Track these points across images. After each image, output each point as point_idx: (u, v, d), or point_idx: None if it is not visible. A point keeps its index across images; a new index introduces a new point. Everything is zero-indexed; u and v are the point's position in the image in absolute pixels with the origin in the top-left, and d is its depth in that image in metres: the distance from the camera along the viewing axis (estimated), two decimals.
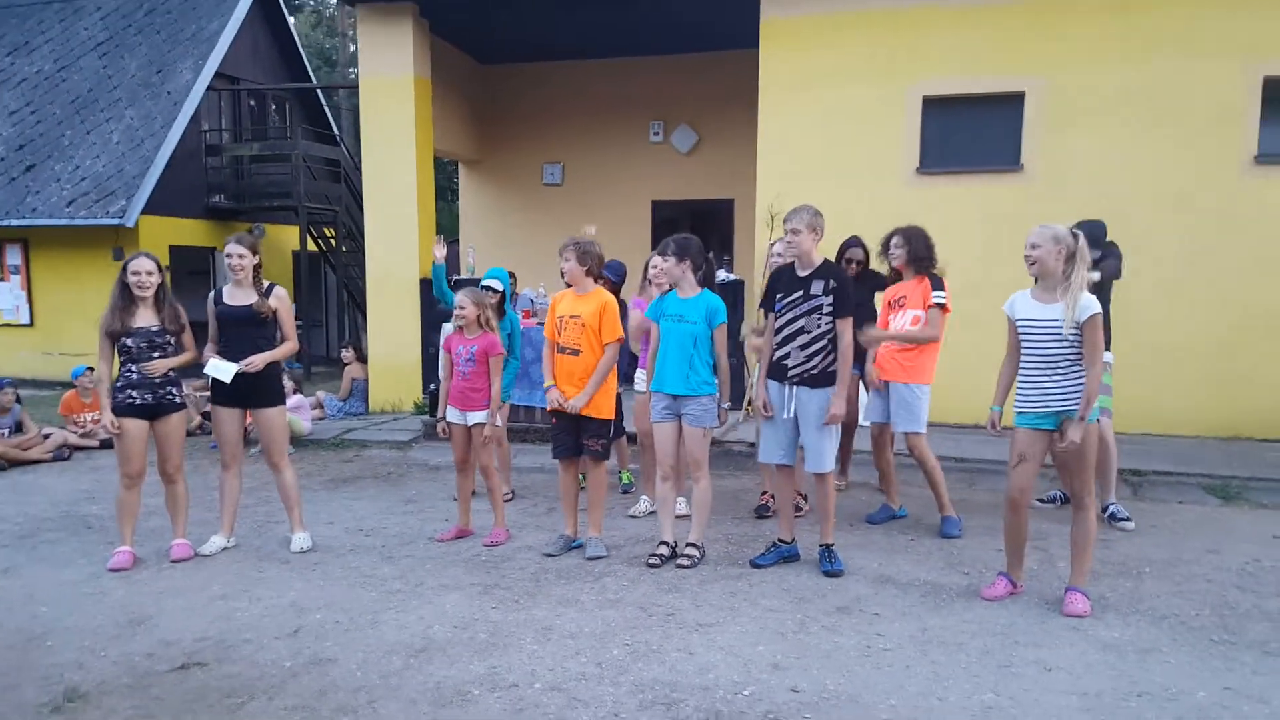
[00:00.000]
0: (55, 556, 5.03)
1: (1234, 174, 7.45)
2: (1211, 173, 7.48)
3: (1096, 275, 5.14)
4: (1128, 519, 5.52)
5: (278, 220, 15.44)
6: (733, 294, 8.11)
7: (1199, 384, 7.58)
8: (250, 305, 4.98)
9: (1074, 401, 3.93)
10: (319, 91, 17.09)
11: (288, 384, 8.43)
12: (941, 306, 5.24)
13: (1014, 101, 7.90)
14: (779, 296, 4.67)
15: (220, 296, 5.08)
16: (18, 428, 7.87)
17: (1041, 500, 5.79)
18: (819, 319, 4.53)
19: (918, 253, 5.32)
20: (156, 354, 4.83)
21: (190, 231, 13.99)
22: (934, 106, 8.10)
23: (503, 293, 5.89)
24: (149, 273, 4.84)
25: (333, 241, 15.46)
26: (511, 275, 6.44)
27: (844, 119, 8.19)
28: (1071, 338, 3.92)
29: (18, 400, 8.03)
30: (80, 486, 6.82)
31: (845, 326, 4.52)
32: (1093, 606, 4.05)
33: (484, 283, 5.91)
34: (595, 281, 4.97)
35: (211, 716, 3.17)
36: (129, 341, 4.79)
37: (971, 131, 8.11)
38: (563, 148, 11.96)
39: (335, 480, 6.97)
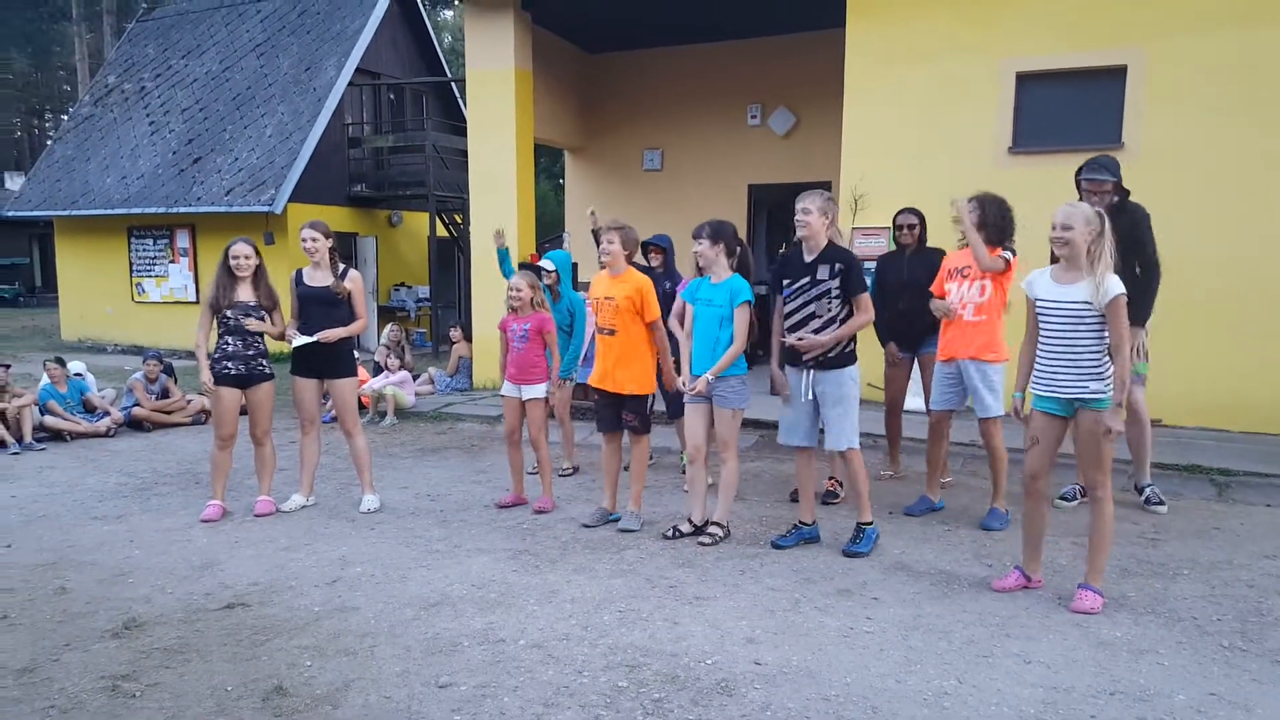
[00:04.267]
0: (162, 507, 5.75)
1: None
2: None
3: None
4: (1160, 503, 5.24)
5: (414, 207, 16.45)
6: None
7: None
8: (327, 286, 5.49)
9: (1089, 390, 3.81)
10: (452, 84, 17.94)
11: (393, 361, 9.13)
12: (1007, 263, 4.99)
13: (1115, 75, 7.45)
14: (786, 282, 4.71)
15: (300, 277, 5.61)
16: (164, 394, 8.87)
17: (1064, 499, 5.51)
18: (828, 303, 4.54)
19: (990, 219, 5.02)
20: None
21: (333, 218, 15.09)
22: (1029, 82, 7.76)
23: (556, 273, 6.18)
24: (247, 257, 5.44)
25: (463, 227, 16.30)
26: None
27: (932, 96, 7.97)
28: (1092, 320, 3.79)
29: (166, 371, 9.03)
30: (208, 447, 7.63)
31: (862, 302, 4.54)
32: (1107, 604, 3.92)
33: (539, 265, 6.22)
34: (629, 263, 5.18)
35: (238, 649, 3.63)
36: (228, 314, 5.39)
37: (1069, 108, 7.71)
38: (662, 134, 12.14)
39: (424, 450, 7.50)
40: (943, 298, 5.24)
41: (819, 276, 4.56)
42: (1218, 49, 7.08)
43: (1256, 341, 7.07)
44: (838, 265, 4.53)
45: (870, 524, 4.74)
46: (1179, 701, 3.13)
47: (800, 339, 4.58)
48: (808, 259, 4.63)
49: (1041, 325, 3.98)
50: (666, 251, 6.37)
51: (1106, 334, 3.82)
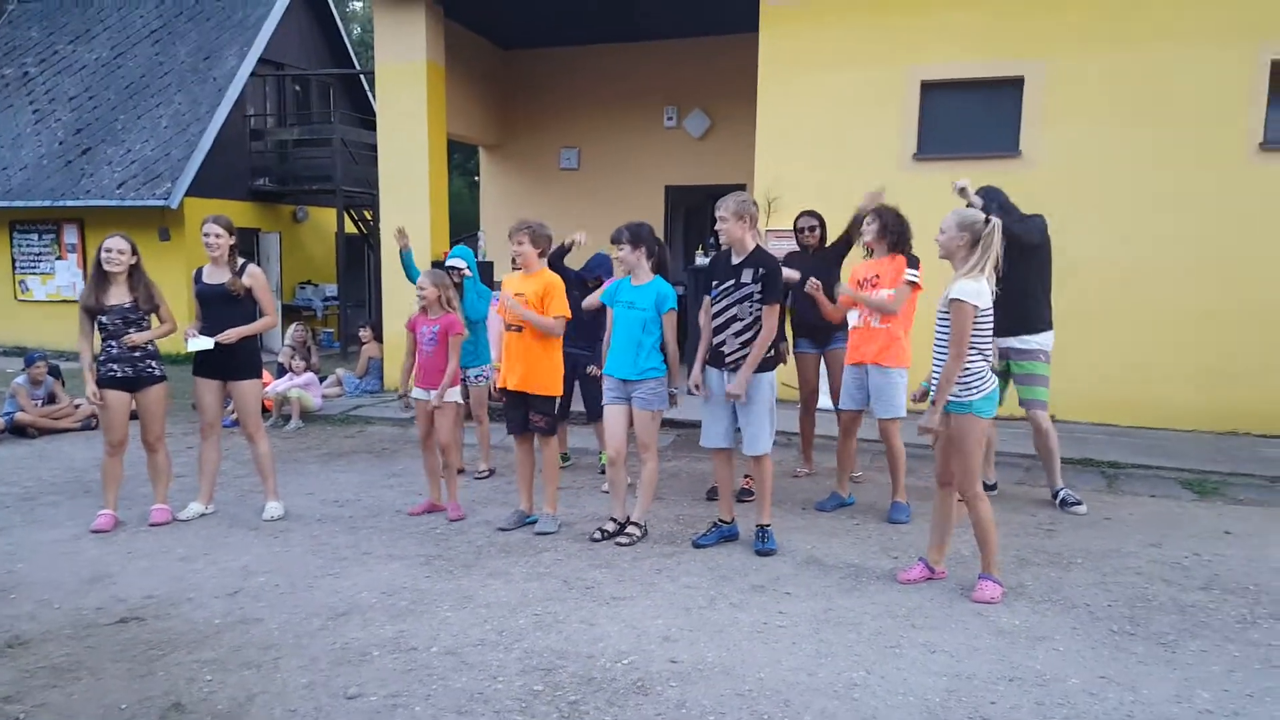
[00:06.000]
0: (48, 518, 5.43)
1: (1238, 162, 7.22)
2: (1215, 160, 7.27)
3: (979, 201, 5.12)
4: (1079, 503, 5.49)
5: (320, 203, 15.95)
6: None
7: (1196, 377, 7.41)
8: (223, 284, 5.28)
9: (954, 390, 3.96)
10: (361, 76, 17.51)
11: (298, 363, 8.84)
12: (913, 284, 5.19)
13: (1013, 86, 7.78)
14: (714, 284, 4.76)
15: (200, 275, 5.39)
16: (50, 399, 8.39)
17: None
18: (750, 306, 4.60)
19: (889, 227, 5.24)
20: (131, 329, 5.15)
21: (234, 213, 14.47)
22: (933, 91, 8.02)
23: (466, 269, 6.09)
24: (120, 251, 5.14)
25: (373, 224, 15.91)
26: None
27: (842, 103, 8.17)
28: (943, 319, 3.94)
29: (51, 373, 8.54)
30: (98, 454, 7.25)
31: (770, 313, 4.58)
32: (1006, 593, 4.08)
33: (448, 263, 6.11)
34: (542, 260, 5.13)
35: (132, 665, 3.46)
36: (104, 319, 5.11)
37: (970, 117, 8.02)
38: (579, 133, 12.12)
39: (331, 454, 7.29)
40: (850, 305, 5.38)
41: (743, 280, 4.61)
42: (1109, 63, 7.46)
43: (1146, 339, 7.50)
44: (760, 270, 4.58)
45: (769, 525, 4.81)
46: (1072, 685, 3.28)
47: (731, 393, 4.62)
48: (734, 261, 4.68)
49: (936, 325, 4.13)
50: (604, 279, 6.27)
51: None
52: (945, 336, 3.98)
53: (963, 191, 5.22)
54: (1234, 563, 4.59)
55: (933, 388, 4.04)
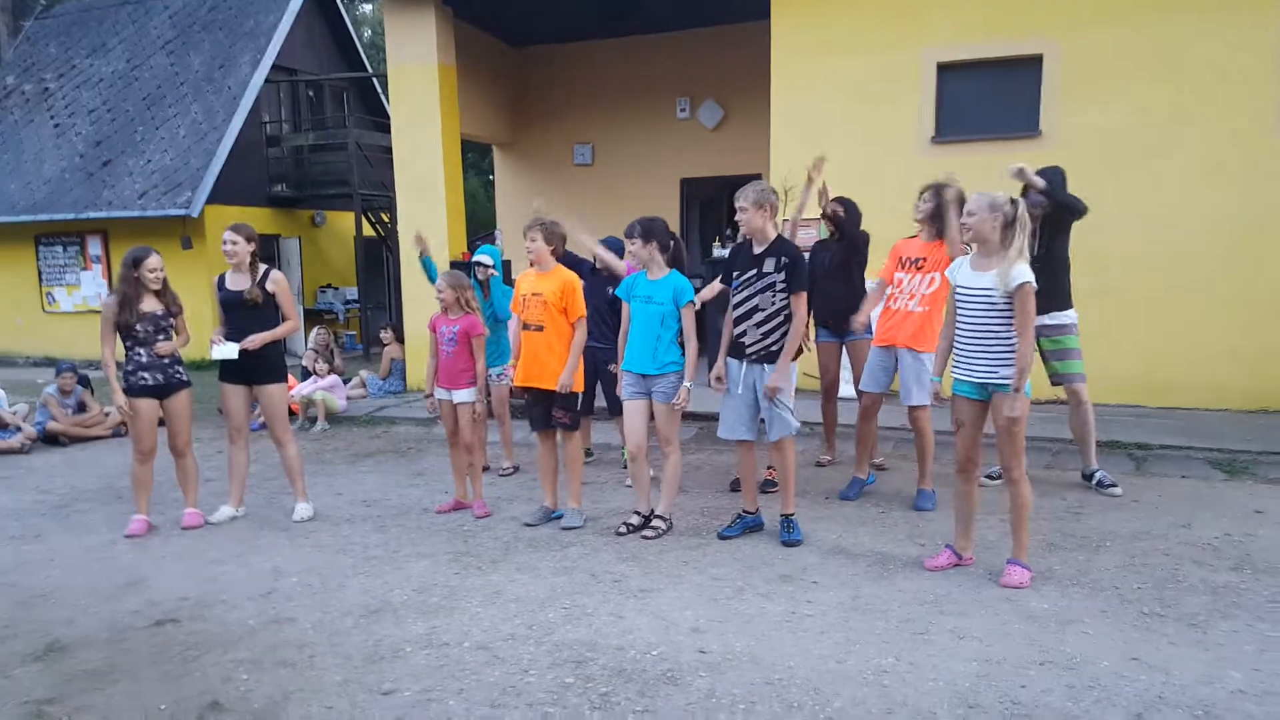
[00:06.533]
0: (82, 524, 5.53)
1: (1265, 136, 7.11)
2: (1240, 135, 7.16)
3: (1041, 182, 5.08)
4: (1114, 485, 5.45)
5: (337, 207, 16.07)
6: None
7: (1222, 355, 7.32)
8: (242, 291, 5.34)
9: (999, 375, 3.94)
10: (374, 79, 17.59)
11: (322, 366, 8.93)
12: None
13: (1031, 65, 7.70)
14: (735, 274, 4.75)
15: (223, 282, 5.45)
16: (80, 407, 8.51)
17: (990, 477, 5.67)
18: (773, 296, 4.59)
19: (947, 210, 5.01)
20: (161, 336, 5.23)
21: (254, 219, 14.64)
22: (949, 73, 7.96)
23: (493, 267, 6.11)
24: (161, 269, 5.26)
25: (390, 226, 16.00)
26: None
27: (857, 88, 8.12)
28: (1003, 306, 3.91)
29: (81, 382, 8.67)
30: (129, 461, 7.35)
31: (799, 302, 4.57)
32: (1034, 578, 4.07)
33: (474, 260, 6.13)
34: (557, 260, 5.14)
35: (170, 667, 3.52)
36: (138, 327, 5.19)
37: (988, 98, 7.94)
38: (592, 128, 12.11)
39: (358, 455, 7.36)
40: (889, 281, 5.31)
41: (765, 270, 4.60)
42: (1129, 38, 7.37)
43: (1171, 319, 7.41)
44: (783, 259, 4.56)
45: (793, 515, 4.81)
46: (1103, 668, 3.26)
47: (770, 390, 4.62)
48: (756, 252, 4.67)
49: (959, 311, 4.09)
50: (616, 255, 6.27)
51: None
52: (990, 321, 3.94)
53: (1021, 173, 5.09)
54: (1265, 542, 4.55)
55: (939, 379, 4.05)
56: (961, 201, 4.97)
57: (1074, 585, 4.04)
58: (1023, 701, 3.04)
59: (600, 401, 6.30)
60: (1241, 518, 4.94)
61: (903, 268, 5.25)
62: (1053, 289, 5.31)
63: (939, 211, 5.08)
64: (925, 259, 5.15)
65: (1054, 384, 5.59)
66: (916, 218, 5.27)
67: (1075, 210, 5.28)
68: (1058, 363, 5.48)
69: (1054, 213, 5.28)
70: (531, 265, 5.15)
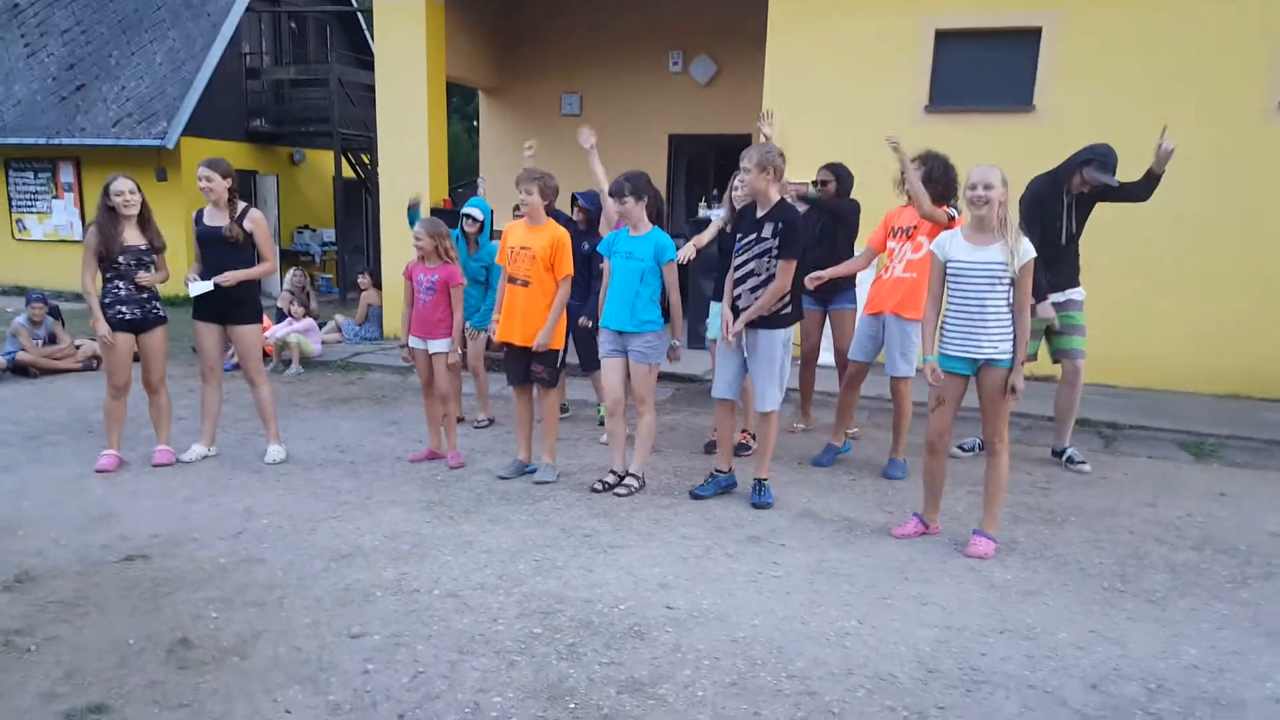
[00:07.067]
0: (53, 457, 5.47)
1: (1257, 120, 7.14)
2: (1233, 118, 7.18)
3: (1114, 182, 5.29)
4: (1083, 462, 5.55)
5: (317, 145, 15.77)
6: None
7: (1197, 339, 7.42)
8: (220, 227, 5.24)
9: (998, 349, 3.96)
10: (359, 14, 17.16)
11: (298, 309, 8.82)
12: (950, 219, 4.90)
13: (1030, 37, 7.64)
14: (738, 237, 4.71)
15: (200, 217, 5.35)
16: (51, 339, 8.38)
17: (961, 448, 5.77)
18: (767, 262, 4.55)
19: (933, 175, 4.99)
20: (142, 270, 5.13)
21: (230, 154, 14.30)
22: (947, 41, 7.88)
23: (482, 222, 6.03)
24: (130, 192, 5.10)
25: (371, 168, 15.74)
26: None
27: (852, 53, 8.04)
28: (1008, 281, 3.92)
29: (52, 314, 8.52)
30: (99, 395, 7.27)
31: (785, 268, 4.53)
32: (999, 550, 4.14)
33: (464, 211, 6.05)
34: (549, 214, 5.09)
35: (140, 602, 3.52)
36: (120, 259, 5.08)
37: (985, 69, 7.88)
38: (581, 77, 11.92)
39: (332, 400, 7.32)
40: (880, 249, 5.30)
41: (763, 234, 4.56)
42: (1129, 15, 7.32)
43: (1149, 298, 7.48)
44: (779, 224, 4.53)
45: (766, 479, 4.85)
46: (1062, 639, 3.35)
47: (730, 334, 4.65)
48: (758, 215, 4.62)
49: (953, 287, 4.06)
50: (590, 210, 6.22)
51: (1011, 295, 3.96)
52: (990, 296, 3.94)
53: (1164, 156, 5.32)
54: (1227, 524, 4.65)
55: (934, 358, 4.06)
56: (930, 166, 5.02)
57: (1038, 558, 4.12)
58: (981, 668, 3.12)
59: (572, 358, 6.28)
60: (1206, 499, 5.05)
61: (894, 236, 5.24)
62: (1077, 265, 5.54)
63: (928, 178, 5.01)
64: (916, 227, 5.14)
65: (1055, 360, 5.64)
66: (904, 189, 5.23)
67: (1144, 194, 5.51)
68: (1066, 338, 5.53)
69: (1094, 193, 5.37)
70: (520, 216, 5.09)
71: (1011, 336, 3.98)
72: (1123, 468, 5.68)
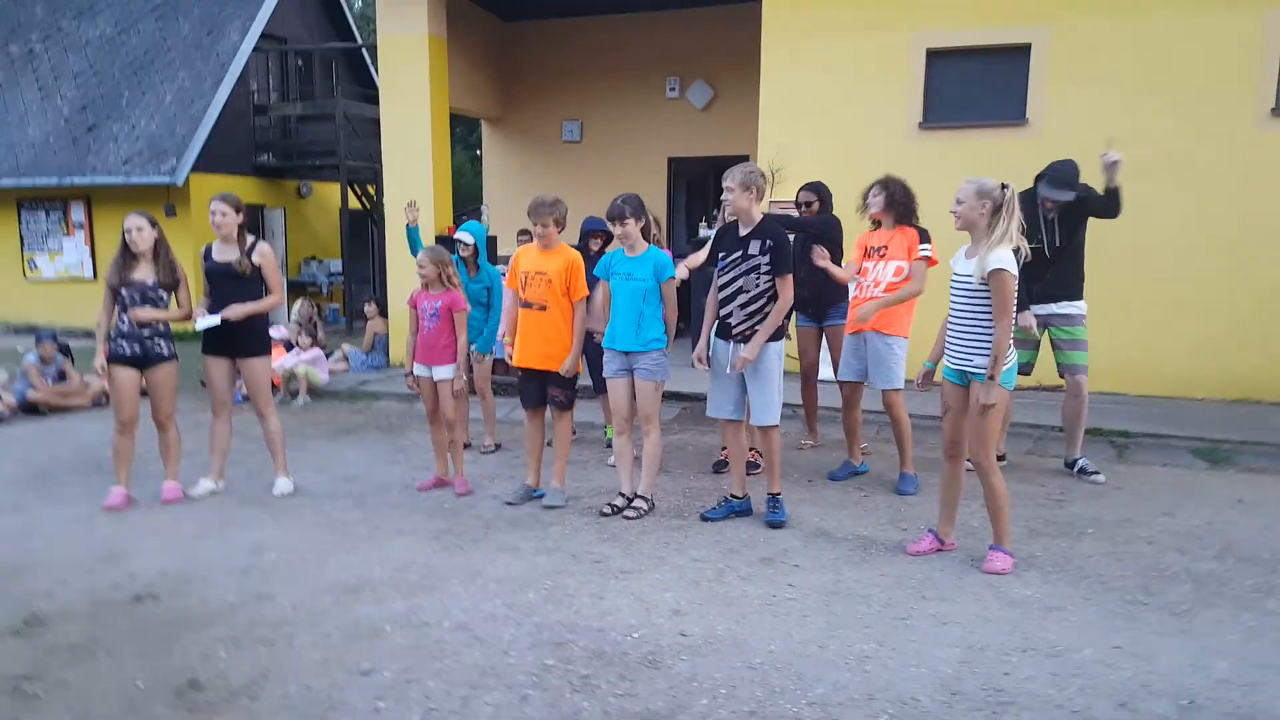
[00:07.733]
0: (62, 496, 5.46)
1: (1249, 128, 7.11)
2: (1225, 126, 7.15)
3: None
4: (1097, 472, 5.48)
5: (324, 178, 15.88)
6: None
7: (1206, 345, 7.35)
8: (230, 262, 5.25)
9: (973, 363, 3.93)
10: (363, 50, 17.35)
11: (305, 338, 8.84)
12: (927, 259, 5.13)
13: (1020, 53, 7.65)
14: (721, 255, 4.72)
15: (209, 252, 5.36)
16: (61, 377, 8.41)
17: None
18: (757, 278, 4.56)
19: (895, 198, 5.16)
20: (146, 306, 5.14)
21: (239, 189, 14.45)
22: (938, 59, 7.90)
23: (474, 245, 6.04)
24: (139, 229, 5.13)
25: (377, 198, 15.82)
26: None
27: (846, 72, 8.07)
28: (982, 293, 3.88)
29: (62, 351, 8.56)
30: (109, 431, 7.26)
31: (784, 284, 4.54)
32: (1017, 564, 4.07)
33: (456, 237, 6.06)
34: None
35: (147, 643, 3.48)
36: (124, 293, 5.11)
37: (976, 85, 7.91)
38: (581, 105, 12.00)
39: (340, 430, 7.31)
40: (860, 274, 5.33)
41: (750, 251, 4.56)
42: (1117, 28, 7.33)
43: (1156, 306, 7.42)
44: (768, 242, 4.53)
45: (780, 494, 4.80)
46: (1086, 655, 3.27)
47: (735, 362, 4.60)
48: (742, 233, 4.63)
49: (950, 298, 4.07)
50: (606, 238, 6.20)
51: None
52: (970, 308, 3.93)
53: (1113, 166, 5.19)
54: (1248, 531, 4.57)
55: (933, 365, 4.02)
56: (889, 190, 5.17)
57: (1057, 572, 4.05)
58: (1006, 689, 3.04)
59: (584, 380, 6.25)
60: (1224, 506, 4.96)
61: (868, 256, 5.31)
62: (1070, 279, 5.44)
63: (890, 201, 5.16)
64: (886, 247, 5.22)
65: (1061, 375, 5.59)
66: (871, 213, 5.31)
67: (1109, 210, 5.29)
68: (1067, 353, 5.48)
69: (1074, 205, 5.29)
70: (526, 241, 5.08)
71: (987, 350, 3.92)
72: (1137, 477, 5.60)
